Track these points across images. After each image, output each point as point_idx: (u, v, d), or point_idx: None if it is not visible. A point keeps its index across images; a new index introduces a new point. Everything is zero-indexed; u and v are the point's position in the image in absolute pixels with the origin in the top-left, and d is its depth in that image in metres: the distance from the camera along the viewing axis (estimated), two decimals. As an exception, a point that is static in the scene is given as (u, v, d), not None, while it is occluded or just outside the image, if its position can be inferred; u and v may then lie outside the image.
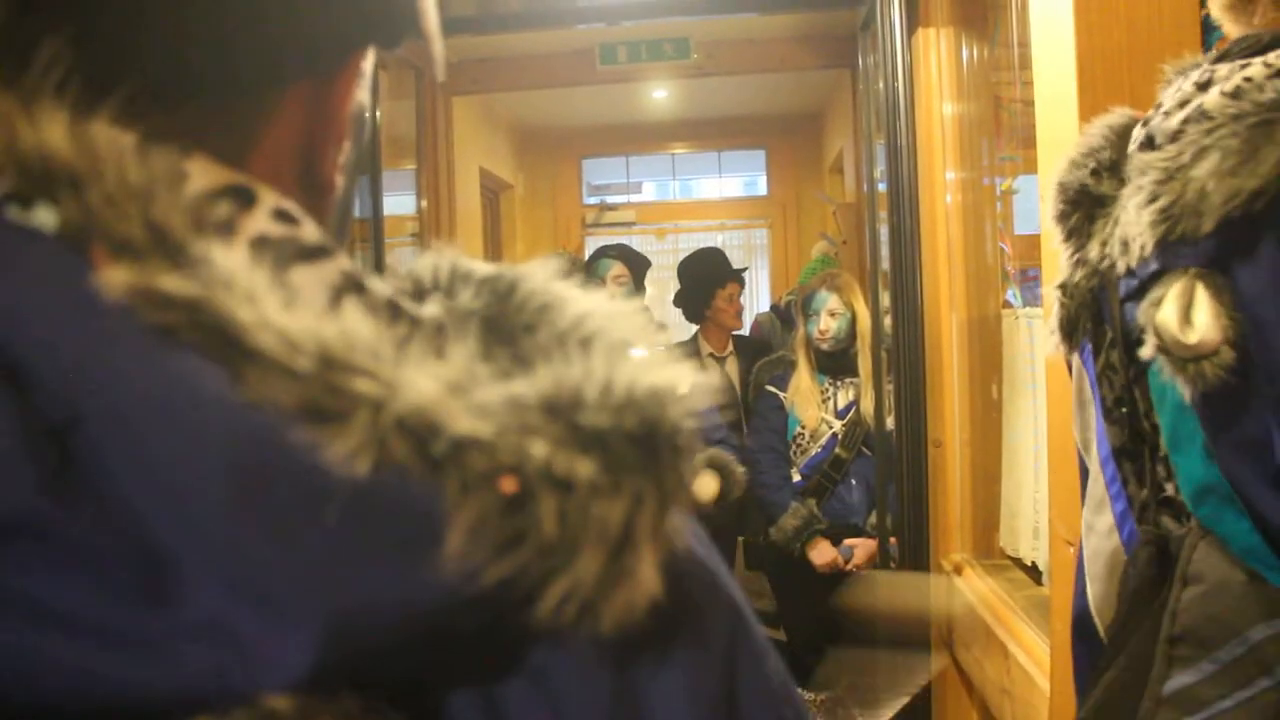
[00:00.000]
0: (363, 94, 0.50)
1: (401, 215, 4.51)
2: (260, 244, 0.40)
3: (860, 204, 4.65)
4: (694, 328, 4.13)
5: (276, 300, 0.36)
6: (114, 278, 0.35)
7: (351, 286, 0.42)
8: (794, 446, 3.30)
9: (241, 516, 0.33)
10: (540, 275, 0.44)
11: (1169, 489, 1.00)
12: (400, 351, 0.37)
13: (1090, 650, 1.10)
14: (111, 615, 0.33)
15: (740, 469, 2.58)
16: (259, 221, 0.41)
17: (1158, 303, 0.93)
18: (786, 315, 4.31)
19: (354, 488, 0.34)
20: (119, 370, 0.34)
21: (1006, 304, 2.74)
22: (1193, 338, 0.90)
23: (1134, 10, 1.37)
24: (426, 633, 0.36)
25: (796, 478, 3.28)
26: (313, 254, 0.42)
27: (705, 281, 3.99)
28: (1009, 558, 2.53)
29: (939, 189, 2.71)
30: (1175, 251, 0.92)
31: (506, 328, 0.43)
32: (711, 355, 3.97)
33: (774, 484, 3.27)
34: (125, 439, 0.33)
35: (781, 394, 3.34)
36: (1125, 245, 0.97)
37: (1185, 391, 0.92)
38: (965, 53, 2.70)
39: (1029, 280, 2.72)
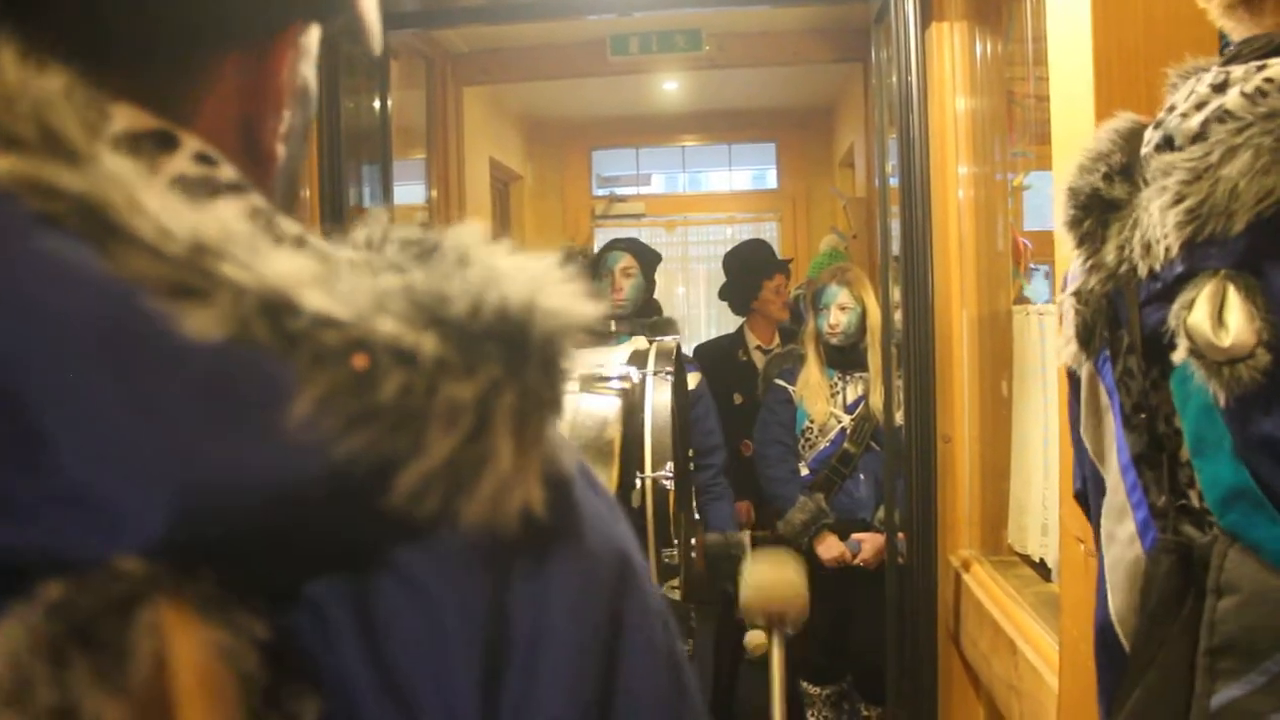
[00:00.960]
0: (306, 68, 0.53)
1: (411, 205, 4.52)
2: (178, 181, 0.43)
3: (871, 198, 4.64)
4: (739, 320, 4.12)
5: (160, 197, 0.38)
6: None
7: (261, 218, 0.44)
8: (802, 440, 3.30)
9: (101, 383, 0.35)
10: (466, 237, 0.45)
11: (1191, 496, 0.99)
12: (272, 245, 0.39)
13: (1113, 661, 1.08)
14: None
15: (741, 539, 2.61)
16: (179, 163, 0.44)
17: (1189, 305, 0.92)
18: (796, 309, 4.30)
19: (208, 357, 0.36)
20: None
21: (1024, 299, 2.73)
22: (1226, 340, 0.89)
23: (1152, 8, 1.36)
24: (280, 510, 0.37)
25: (804, 472, 3.27)
26: (225, 189, 0.45)
27: (751, 273, 3.96)
28: (1017, 554, 2.53)
29: (951, 184, 2.71)
30: (1203, 252, 0.91)
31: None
32: (759, 348, 3.95)
33: (781, 478, 3.26)
34: None
35: (791, 388, 3.33)
36: (1147, 248, 0.95)
37: (1219, 395, 0.90)
38: (979, 47, 2.69)
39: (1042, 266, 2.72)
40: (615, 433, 1.07)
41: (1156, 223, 0.94)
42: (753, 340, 4.00)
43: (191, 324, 0.36)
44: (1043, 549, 2.35)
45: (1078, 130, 1.41)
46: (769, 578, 1.33)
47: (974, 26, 2.69)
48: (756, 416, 3.46)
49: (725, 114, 6.41)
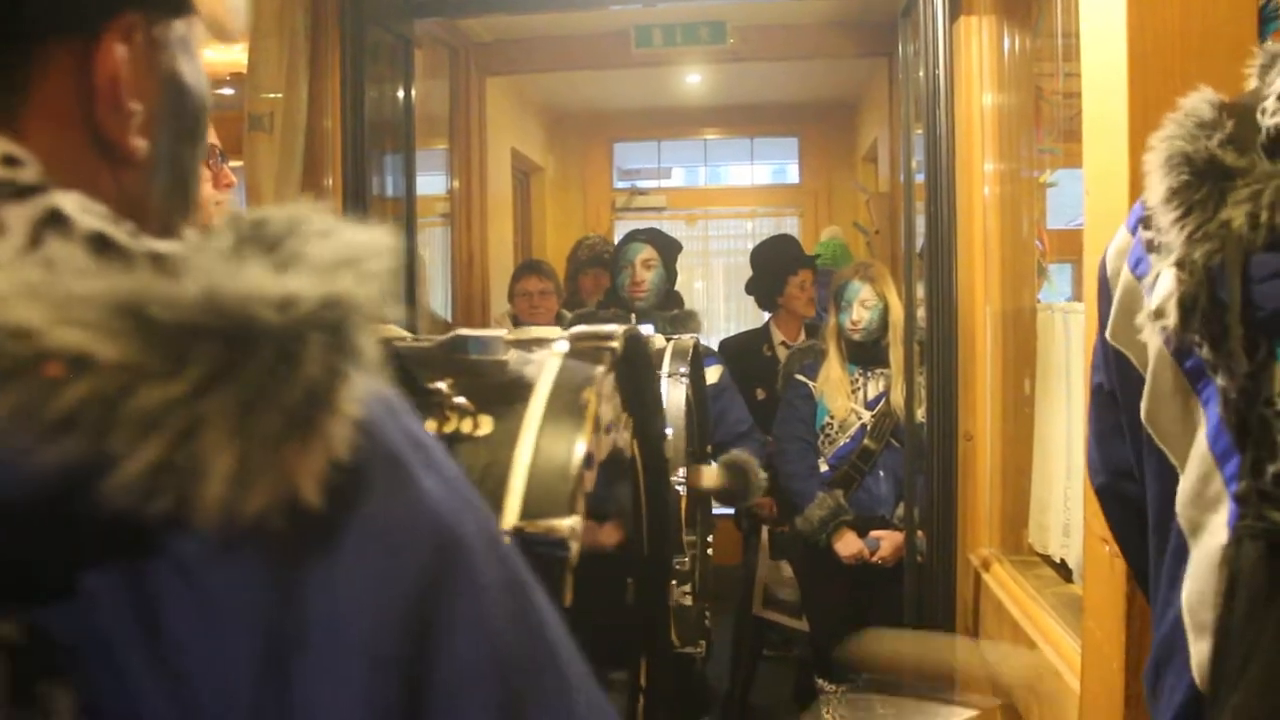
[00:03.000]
0: (167, 59, 0.52)
1: (433, 195, 4.52)
2: None
3: (894, 194, 4.62)
4: (766, 315, 4.10)
5: None
6: None
7: (54, 220, 0.43)
8: (822, 436, 3.28)
9: None
10: (297, 213, 0.45)
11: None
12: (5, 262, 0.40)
13: (1175, 654, 1.03)
14: None
15: (761, 473, 2.56)
16: None
17: None
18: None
19: None
20: None
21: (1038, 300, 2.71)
22: None
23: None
24: (10, 513, 0.37)
25: (824, 468, 3.26)
26: (23, 193, 0.44)
27: (777, 268, 3.94)
28: (1038, 554, 2.51)
29: (976, 180, 2.68)
30: None
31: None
32: (784, 343, 3.93)
33: (801, 473, 3.24)
34: None
35: (811, 383, 3.31)
36: None
37: None
38: (1007, 42, 2.66)
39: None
40: (591, 395, 1.06)
41: None
42: (778, 336, 3.98)
43: None
44: (1064, 549, 2.33)
45: (1110, 120, 1.39)
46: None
47: (1002, 21, 2.66)
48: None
49: (748, 108, 6.38)
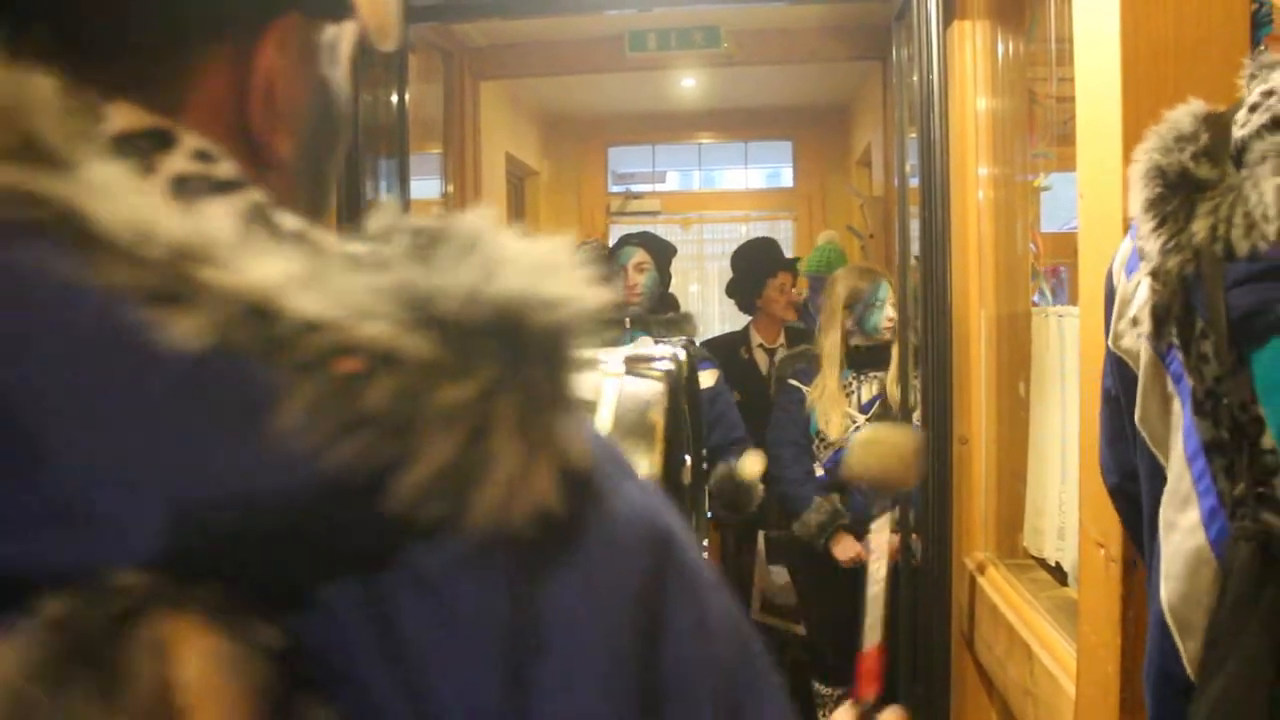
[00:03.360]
0: (317, 64, 0.52)
1: (427, 199, 4.51)
2: (178, 181, 0.43)
3: (888, 198, 4.62)
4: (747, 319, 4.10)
5: (143, 201, 0.38)
6: None
7: (259, 215, 0.43)
8: (817, 440, 3.27)
9: (89, 395, 0.35)
10: (476, 224, 0.44)
11: (1275, 484, 0.96)
12: (256, 247, 0.38)
13: (1164, 653, 1.06)
14: None
15: (759, 484, 2.56)
16: (178, 162, 0.44)
17: None
18: (805, 310, 4.28)
19: (192, 367, 0.35)
20: None
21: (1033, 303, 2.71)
22: None
23: (1182, 3, 1.34)
24: (278, 520, 0.36)
25: (819, 471, 3.25)
26: (224, 188, 0.44)
27: (756, 271, 3.95)
28: (1033, 558, 2.51)
29: (971, 184, 2.68)
30: None
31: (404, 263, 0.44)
32: (761, 346, 3.93)
33: (797, 479, 3.23)
34: None
35: (805, 388, 3.30)
36: (1251, 227, 0.93)
37: None
38: (1001, 47, 2.67)
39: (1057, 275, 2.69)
40: (658, 416, 1.06)
41: (1271, 200, 0.92)
42: (756, 338, 3.98)
43: (173, 332, 0.35)
44: (1059, 553, 2.33)
45: (1104, 124, 1.39)
46: (879, 437, 1.29)
47: (996, 25, 2.66)
48: (755, 413, 3.42)
49: (742, 112, 6.39)
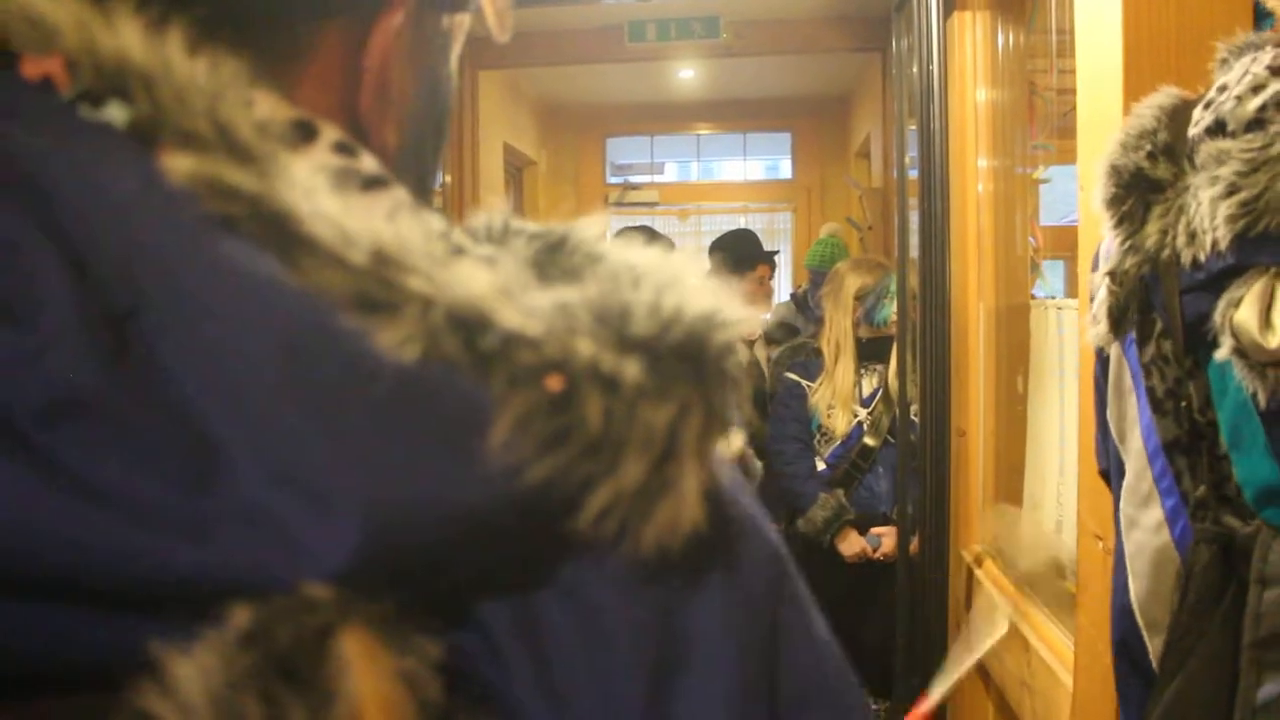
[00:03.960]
0: (429, 54, 0.51)
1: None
2: (321, 174, 0.41)
3: (887, 189, 4.61)
4: None
5: (336, 200, 0.37)
6: (178, 165, 0.36)
7: (410, 214, 0.42)
8: (819, 435, 3.26)
9: (288, 402, 0.34)
10: (590, 231, 0.44)
11: (1229, 486, 0.97)
12: (453, 255, 0.38)
13: (1130, 648, 1.07)
14: (158, 497, 0.33)
15: (757, 462, 2.55)
16: (320, 154, 0.43)
17: (1236, 303, 0.89)
18: (804, 303, 4.27)
19: (401, 376, 0.34)
20: (177, 256, 0.35)
21: (1032, 296, 2.71)
22: (1273, 342, 0.86)
23: (1185, -8, 1.33)
24: (468, 534, 0.35)
25: (821, 466, 3.24)
26: (371, 183, 0.43)
27: (734, 262, 3.94)
28: (1030, 550, 2.51)
29: (970, 176, 2.68)
30: (1255, 248, 0.88)
31: (556, 273, 0.43)
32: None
33: (801, 474, 3.21)
34: (180, 324, 0.34)
35: (805, 382, 3.29)
36: (1192, 237, 0.93)
37: (1260, 396, 0.88)
38: (1001, 38, 2.66)
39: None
40: None
41: (1206, 213, 0.91)
42: None
43: (381, 340, 0.34)
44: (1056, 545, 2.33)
45: (1105, 113, 1.38)
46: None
47: (996, 16, 2.65)
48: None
49: (741, 102, 6.38)
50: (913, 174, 2.80)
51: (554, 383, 0.35)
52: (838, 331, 3.24)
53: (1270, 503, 0.92)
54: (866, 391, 3.23)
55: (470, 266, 0.37)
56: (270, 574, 0.33)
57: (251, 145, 0.37)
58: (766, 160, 7.28)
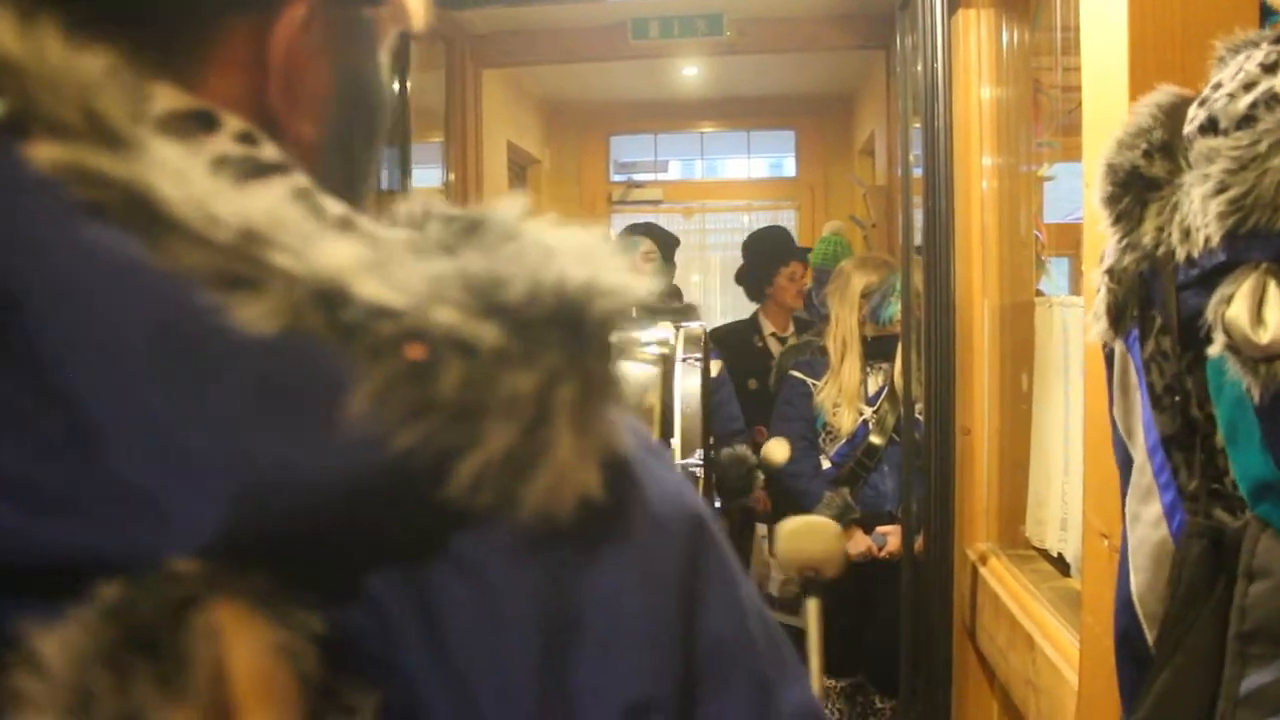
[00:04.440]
0: (347, 46, 0.51)
1: (429, 188, 4.50)
2: (219, 163, 0.42)
3: (891, 187, 4.61)
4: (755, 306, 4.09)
5: (207, 183, 0.37)
6: (44, 154, 0.36)
7: (305, 199, 0.43)
8: (823, 434, 3.25)
9: (156, 380, 0.35)
10: (507, 213, 0.44)
11: (1225, 481, 0.98)
12: (323, 230, 0.39)
13: (1130, 642, 1.08)
14: (34, 473, 0.35)
15: (757, 470, 2.56)
16: (221, 143, 0.44)
17: (1227, 299, 0.90)
18: (809, 301, 4.26)
19: (262, 350, 0.35)
20: (47, 244, 0.36)
21: (1038, 292, 2.70)
22: (1265, 337, 0.87)
23: (1191, -12, 1.33)
24: (337, 505, 0.36)
25: (826, 465, 3.23)
26: (267, 170, 0.44)
27: (768, 259, 3.94)
28: (1035, 548, 2.50)
29: (974, 174, 2.67)
30: (1245, 245, 0.89)
31: (464, 252, 0.43)
32: (774, 335, 3.92)
33: (806, 473, 3.20)
34: (51, 307, 0.35)
35: (811, 380, 3.28)
36: (1186, 234, 0.93)
37: (1254, 392, 0.89)
38: (1005, 35, 2.65)
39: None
40: (654, 399, 1.06)
41: (1198, 210, 0.91)
42: (767, 327, 3.97)
43: (243, 316, 0.35)
44: (1061, 543, 2.32)
45: (1111, 111, 1.38)
46: (803, 528, 1.29)
47: (1001, 14, 2.65)
48: (770, 402, 3.41)
49: (744, 100, 6.37)
50: (917, 172, 2.80)
51: (414, 351, 0.36)
52: (844, 330, 3.22)
53: (1264, 497, 0.92)
54: (872, 390, 3.22)
55: (340, 243, 0.38)
56: (140, 549, 0.34)
57: (122, 133, 0.37)
58: (770, 158, 7.27)
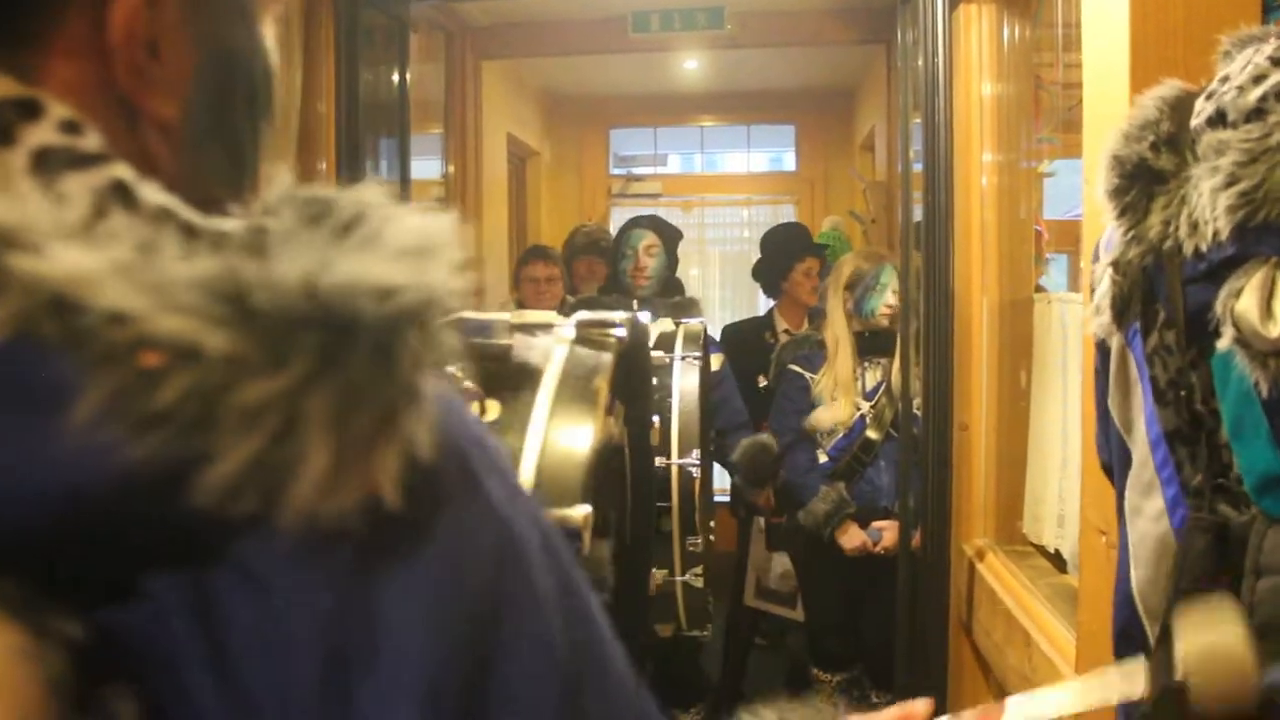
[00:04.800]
0: (209, 22, 0.49)
1: (428, 179, 4.49)
2: (42, 153, 0.41)
3: (891, 182, 4.60)
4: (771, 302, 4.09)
5: None
6: None
7: (118, 192, 0.41)
8: (820, 435, 3.25)
9: None
10: (364, 195, 0.43)
11: (1230, 476, 0.97)
12: (76, 232, 0.37)
13: (1130, 636, 1.08)
14: None
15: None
16: (43, 133, 0.42)
17: (1237, 293, 0.90)
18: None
19: None
20: None
21: (1039, 288, 2.70)
22: (1274, 331, 0.87)
23: (1192, -16, 1.32)
24: (74, 514, 0.35)
25: (823, 459, 3.23)
26: (85, 161, 0.42)
27: (783, 254, 3.92)
28: (1032, 545, 2.51)
29: (974, 170, 2.67)
30: (1255, 238, 0.89)
31: (314, 238, 0.42)
32: (786, 331, 3.92)
33: (802, 466, 3.21)
34: None
35: (808, 374, 3.28)
36: (1194, 227, 0.93)
37: (1261, 385, 0.89)
38: (1006, 31, 2.65)
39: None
40: (603, 383, 1.05)
41: (1206, 203, 0.91)
42: (781, 324, 3.97)
43: None
44: (1058, 540, 2.33)
45: (1112, 106, 1.38)
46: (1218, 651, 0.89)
47: (1002, 9, 2.65)
48: None
49: (745, 95, 6.35)
50: (917, 167, 2.80)
51: (147, 360, 0.35)
52: (834, 322, 3.23)
53: (1270, 492, 0.92)
54: (870, 385, 3.21)
55: (95, 243, 0.36)
56: None
57: None
58: (770, 153, 7.26)
